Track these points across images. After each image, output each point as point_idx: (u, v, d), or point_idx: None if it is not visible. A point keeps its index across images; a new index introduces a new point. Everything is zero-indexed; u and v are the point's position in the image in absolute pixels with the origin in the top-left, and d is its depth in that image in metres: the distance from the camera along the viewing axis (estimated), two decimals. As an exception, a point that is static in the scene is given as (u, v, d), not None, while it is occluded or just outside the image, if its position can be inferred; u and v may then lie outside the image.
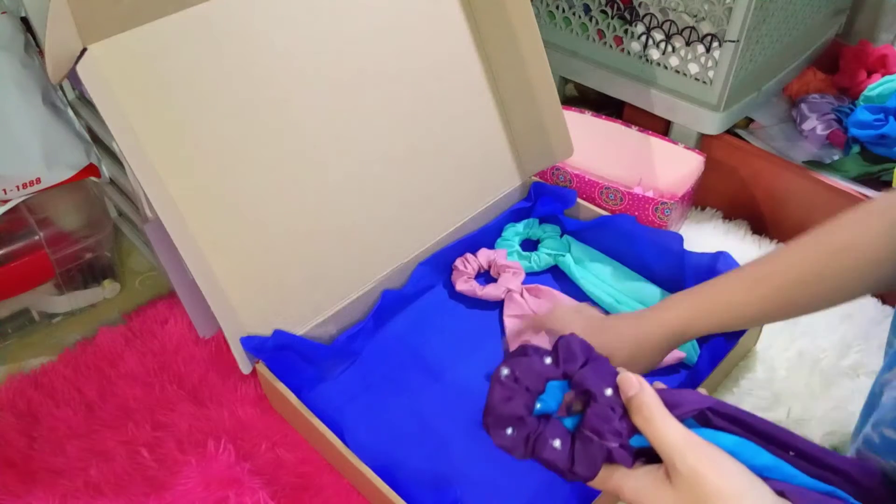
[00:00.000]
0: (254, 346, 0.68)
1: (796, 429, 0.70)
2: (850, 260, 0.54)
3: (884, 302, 0.84)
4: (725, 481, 0.38)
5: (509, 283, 0.84)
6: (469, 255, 0.88)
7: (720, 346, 0.72)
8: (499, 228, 0.91)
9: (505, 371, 0.44)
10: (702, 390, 0.47)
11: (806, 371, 0.76)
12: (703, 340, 0.76)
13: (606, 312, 0.71)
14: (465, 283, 0.85)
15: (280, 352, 0.70)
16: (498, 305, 0.84)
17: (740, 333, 0.73)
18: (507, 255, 0.88)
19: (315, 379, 0.75)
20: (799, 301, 0.57)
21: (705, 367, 0.71)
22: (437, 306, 0.85)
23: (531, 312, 0.81)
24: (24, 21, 0.78)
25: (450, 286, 0.87)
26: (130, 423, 0.73)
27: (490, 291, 0.83)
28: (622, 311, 0.80)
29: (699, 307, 0.60)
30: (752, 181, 0.95)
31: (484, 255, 0.88)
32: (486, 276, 0.89)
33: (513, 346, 0.78)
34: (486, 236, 0.90)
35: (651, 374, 0.75)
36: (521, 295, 0.83)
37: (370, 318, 0.78)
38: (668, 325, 0.60)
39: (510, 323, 0.81)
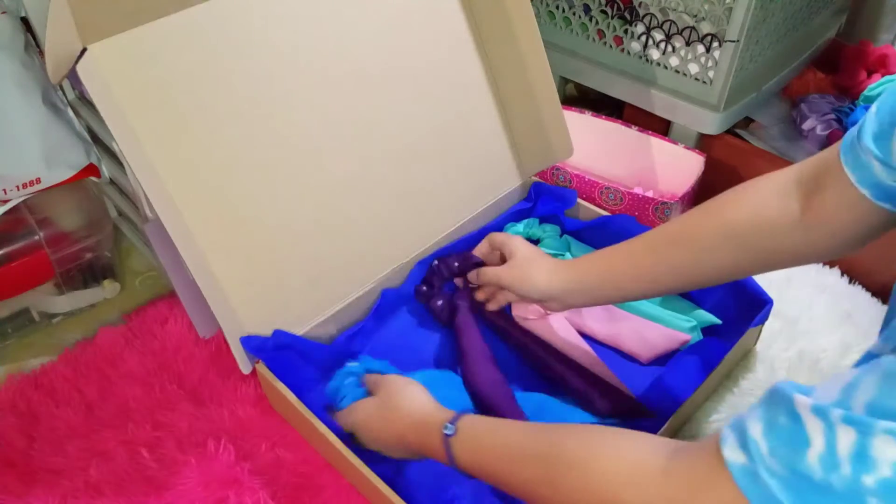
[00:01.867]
0: (254, 346, 0.68)
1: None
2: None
3: (884, 302, 0.84)
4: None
5: None
6: None
7: (719, 346, 0.73)
8: (498, 228, 0.91)
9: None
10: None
11: (806, 371, 0.76)
12: (703, 336, 0.76)
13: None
14: None
15: (280, 352, 0.70)
16: None
17: (741, 333, 0.73)
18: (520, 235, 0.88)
19: (315, 379, 0.75)
20: (677, 270, 0.61)
21: (704, 368, 0.71)
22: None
23: (538, 308, 0.81)
24: (24, 21, 0.78)
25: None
26: (130, 423, 0.73)
27: None
28: (624, 309, 0.80)
29: (591, 263, 0.66)
30: (752, 181, 0.95)
31: None
32: None
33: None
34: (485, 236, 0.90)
35: (656, 365, 0.76)
36: None
37: (370, 318, 0.78)
38: (561, 268, 0.68)
39: (522, 319, 0.81)
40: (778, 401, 0.36)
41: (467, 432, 0.54)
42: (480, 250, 0.79)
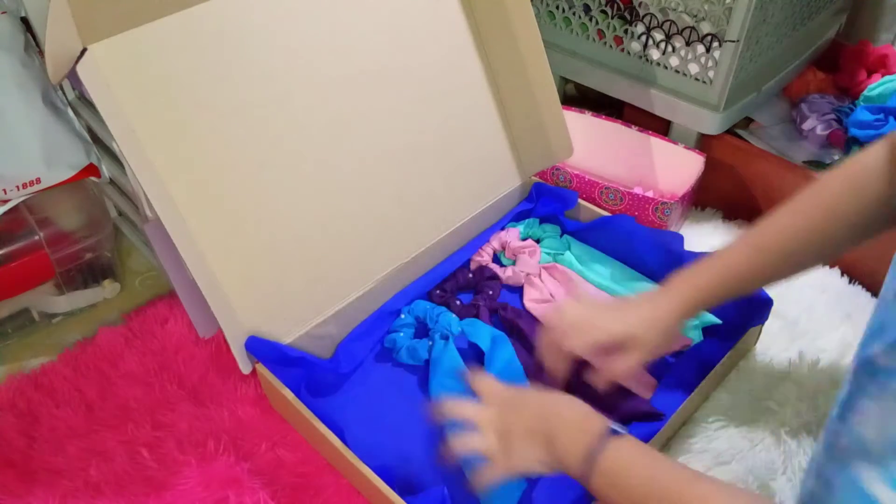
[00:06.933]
0: (259, 352, 0.69)
1: (796, 430, 0.70)
2: (840, 215, 0.59)
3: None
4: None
5: (527, 265, 0.85)
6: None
7: (719, 346, 0.73)
8: (501, 229, 0.91)
9: None
10: None
11: (806, 371, 0.76)
12: (703, 336, 0.76)
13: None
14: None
15: (284, 367, 0.70)
16: (515, 290, 0.86)
17: (741, 333, 0.73)
18: (519, 235, 0.89)
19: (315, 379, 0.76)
20: (800, 260, 0.63)
21: (704, 368, 0.71)
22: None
23: (549, 297, 0.82)
24: (24, 21, 0.78)
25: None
26: (130, 423, 0.73)
27: (511, 276, 0.85)
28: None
29: (708, 282, 0.64)
30: (752, 181, 0.95)
31: (497, 239, 0.89)
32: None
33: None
34: (483, 243, 0.90)
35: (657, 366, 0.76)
36: (539, 276, 0.84)
37: (370, 321, 0.79)
38: (680, 300, 0.64)
39: (533, 307, 0.82)
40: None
41: (627, 447, 0.53)
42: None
